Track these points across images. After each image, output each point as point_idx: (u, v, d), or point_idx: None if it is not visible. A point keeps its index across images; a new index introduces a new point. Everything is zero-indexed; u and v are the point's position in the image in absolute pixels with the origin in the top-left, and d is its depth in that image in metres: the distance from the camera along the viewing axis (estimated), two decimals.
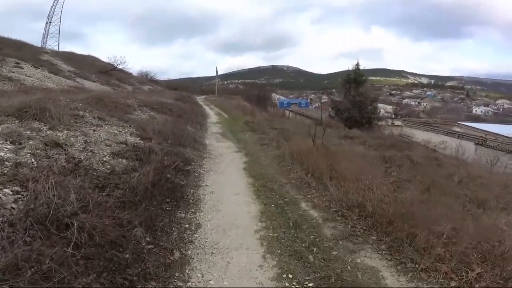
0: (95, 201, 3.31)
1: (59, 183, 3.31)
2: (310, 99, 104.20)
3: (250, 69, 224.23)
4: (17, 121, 5.07)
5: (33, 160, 3.85)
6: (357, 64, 20.42)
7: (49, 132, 5.01)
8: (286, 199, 4.77)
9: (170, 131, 7.96)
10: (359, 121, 18.73)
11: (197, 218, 4.06)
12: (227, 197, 4.83)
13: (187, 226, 3.81)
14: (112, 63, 30.18)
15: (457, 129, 26.30)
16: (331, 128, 15.49)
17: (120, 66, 30.68)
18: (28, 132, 4.66)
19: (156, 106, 12.17)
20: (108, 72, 28.33)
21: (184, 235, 3.61)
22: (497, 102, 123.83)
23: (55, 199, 2.92)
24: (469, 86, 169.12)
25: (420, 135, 22.14)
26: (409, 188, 5.47)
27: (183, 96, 24.44)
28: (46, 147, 4.35)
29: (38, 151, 4.14)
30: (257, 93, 48.28)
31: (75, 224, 2.76)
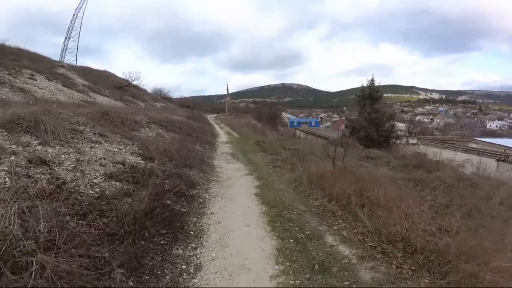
0: (70, 232, 2.64)
1: (29, 208, 2.68)
2: (321, 118, 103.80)
3: (260, 87, 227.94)
4: (5, 133, 4.57)
5: (7, 179, 3.25)
6: (372, 80, 19.83)
7: (38, 147, 4.47)
8: (307, 232, 3.95)
9: (176, 150, 7.38)
10: (376, 140, 17.79)
11: (198, 256, 3.30)
12: (236, 228, 4.06)
13: (184, 267, 3.06)
14: (127, 79, 30.09)
15: (473, 145, 25.48)
16: (348, 147, 14.62)
17: (134, 82, 30.75)
18: (14, 147, 4.12)
19: (165, 124, 11.75)
20: (123, 88, 28.46)
21: (180, 279, 2.87)
22: (511, 115, 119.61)
23: (14, 230, 2.27)
24: (480, 100, 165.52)
25: (438, 153, 21.00)
26: (449, 213, 4.64)
27: (194, 114, 24.27)
28: (29, 165, 3.78)
29: (18, 169, 3.56)
30: (268, 112, 48.13)
31: (33, 265, 2.09)
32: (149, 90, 40.17)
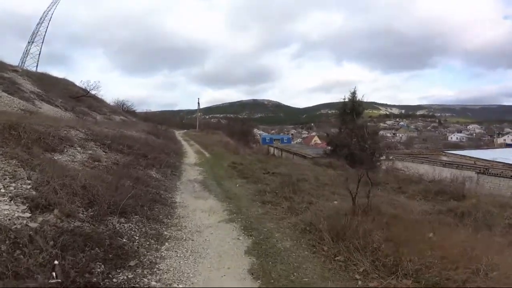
0: None
1: None
2: (292, 134, 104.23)
3: (231, 103, 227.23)
4: None
5: None
6: (354, 93, 18.38)
7: None
8: None
9: (108, 185, 4.59)
10: (359, 158, 16.09)
11: None
12: None
13: None
14: (85, 88, 27.33)
15: (444, 158, 25.23)
16: (335, 169, 12.60)
17: (93, 92, 27.59)
18: None
19: (108, 142, 8.77)
20: (79, 98, 25.41)
21: None
22: (468, 127, 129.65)
23: None
24: (438, 114, 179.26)
25: (416, 168, 20.15)
26: None
27: (158, 129, 21.15)
28: None
29: None
30: (240, 128, 45.96)
31: None
32: (110, 102, 37.28)
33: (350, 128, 17.74)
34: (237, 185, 7.60)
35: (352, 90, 18.43)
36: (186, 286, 2.76)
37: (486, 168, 16.88)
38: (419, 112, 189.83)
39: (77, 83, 30.10)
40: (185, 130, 42.87)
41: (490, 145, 62.61)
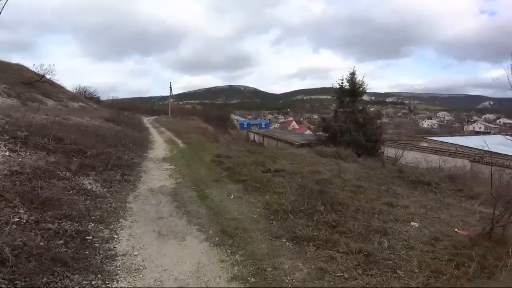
0: None
1: None
2: (269, 119, 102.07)
3: (207, 89, 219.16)
4: None
5: None
6: (353, 73, 15.87)
7: None
8: None
9: None
10: (364, 146, 13.87)
11: None
12: None
13: None
14: (38, 72, 23.71)
15: (425, 144, 24.69)
16: (345, 160, 10.13)
17: (49, 77, 24.09)
18: None
19: (23, 133, 5.50)
20: (32, 83, 22.29)
21: None
22: (438, 114, 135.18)
23: None
24: (407, 101, 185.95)
25: (404, 156, 18.85)
26: None
27: (119, 116, 17.41)
28: None
29: None
30: (217, 114, 42.58)
31: None
32: (71, 89, 33.59)
33: (349, 111, 15.37)
34: (232, 197, 4.78)
35: (351, 70, 15.94)
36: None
37: (480, 157, 16.19)
38: (388, 99, 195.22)
39: (34, 68, 26.15)
40: (156, 116, 38.64)
41: (461, 132, 64.78)
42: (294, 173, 6.34)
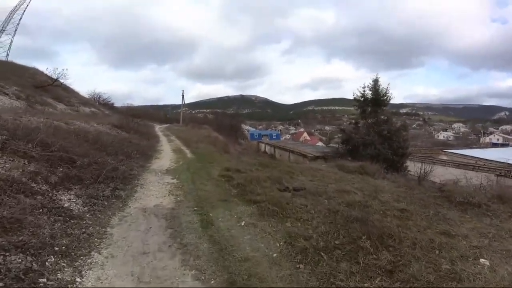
0: None
1: None
2: (280, 130, 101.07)
3: (219, 98, 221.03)
4: None
5: None
6: (376, 81, 14.73)
7: None
8: None
9: None
10: (390, 160, 12.58)
11: None
12: None
13: None
14: (51, 76, 24.35)
15: (444, 157, 23.50)
16: (373, 176, 8.92)
17: (62, 81, 24.53)
18: None
19: (3, 137, 4.75)
20: (45, 87, 22.72)
21: None
22: (453, 126, 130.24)
23: None
24: (421, 112, 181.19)
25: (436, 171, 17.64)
26: None
27: (128, 123, 16.85)
28: None
29: None
30: (228, 123, 42.03)
31: None
32: (85, 94, 34.06)
33: (372, 122, 14.17)
34: (243, 223, 3.76)
35: (374, 78, 14.81)
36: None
37: (507, 171, 15.02)
38: (402, 110, 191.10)
39: (47, 72, 26.86)
40: (168, 125, 38.55)
41: (477, 144, 61.82)
42: (318, 193, 5.27)
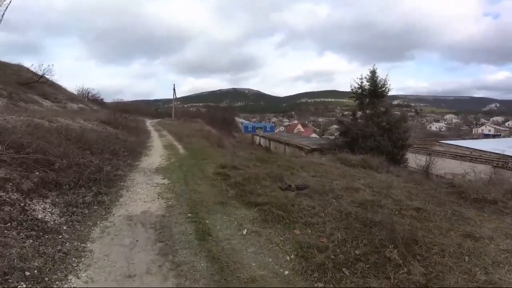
0: None
1: None
2: (274, 122, 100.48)
3: (211, 91, 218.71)
4: None
5: None
6: (374, 72, 14.27)
7: None
8: None
9: None
10: (390, 152, 12.25)
11: None
12: None
13: None
14: (36, 72, 23.48)
15: (438, 148, 23.42)
16: (377, 170, 8.55)
17: (48, 77, 23.36)
18: None
19: None
20: (30, 84, 21.84)
21: None
22: (445, 117, 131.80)
23: None
24: (413, 104, 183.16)
25: (422, 160, 17.56)
26: None
27: (116, 118, 16.07)
28: None
29: None
30: (221, 116, 41.27)
31: None
32: (73, 90, 33.38)
33: (371, 114, 13.78)
34: (244, 231, 3.28)
35: (372, 69, 14.35)
36: None
37: (504, 162, 15.05)
38: (394, 102, 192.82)
39: (32, 68, 25.63)
40: (159, 119, 37.52)
41: (470, 135, 62.58)
42: (324, 192, 4.81)
